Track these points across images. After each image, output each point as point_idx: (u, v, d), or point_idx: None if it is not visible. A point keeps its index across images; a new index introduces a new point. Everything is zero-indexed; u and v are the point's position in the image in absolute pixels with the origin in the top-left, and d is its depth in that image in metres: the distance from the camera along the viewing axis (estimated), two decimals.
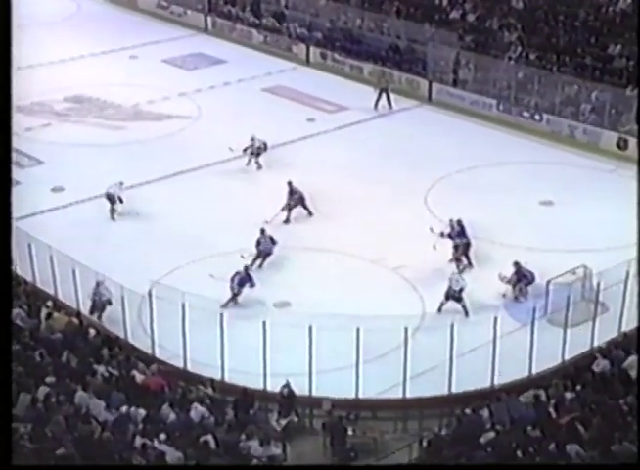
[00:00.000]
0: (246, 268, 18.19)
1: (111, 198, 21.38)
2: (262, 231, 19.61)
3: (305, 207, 21.33)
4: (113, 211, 21.37)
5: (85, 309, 17.31)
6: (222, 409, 14.24)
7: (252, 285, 17.92)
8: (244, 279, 18.00)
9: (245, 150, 23.94)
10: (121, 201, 21.41)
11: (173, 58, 32.69)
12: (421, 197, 22.55)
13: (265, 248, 19.41)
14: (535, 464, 11.73)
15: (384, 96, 28.22)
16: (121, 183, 21.56)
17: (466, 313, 17.75)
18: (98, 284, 17.26)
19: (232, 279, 17.94)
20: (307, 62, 32.82)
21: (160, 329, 16.23)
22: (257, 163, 24.00)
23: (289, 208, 21.15)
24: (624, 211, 21.42)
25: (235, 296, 17.93)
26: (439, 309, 17.84)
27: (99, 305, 17.31)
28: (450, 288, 17.86)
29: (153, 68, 31.56)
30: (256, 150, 23.92)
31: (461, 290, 17.82)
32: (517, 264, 18.23)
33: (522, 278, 18.22)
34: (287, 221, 21.07)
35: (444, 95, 29.00)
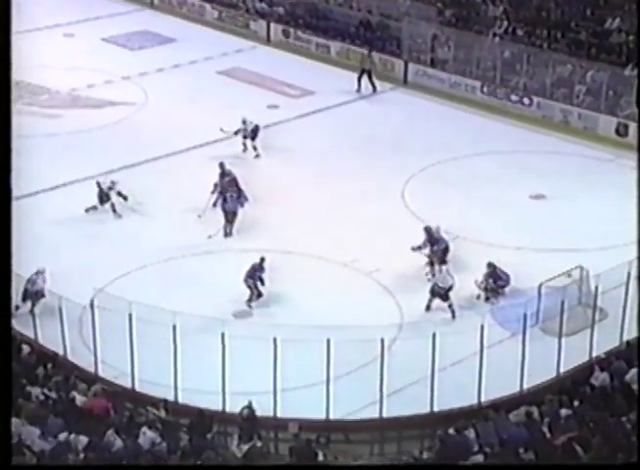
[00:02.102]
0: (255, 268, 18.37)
1: (104, 195, 21.47)
2: (235, 183, 20.66)
3: (239, 190, 21.16)
4: (113, 210, 21.55)
5: (18, 323, 17.16)
6: (175, 434, 14.18)
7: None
8: (250, 271, 18.22)
9: (236, 133, 24.09)
10: (124, 197, 21.53)
11: (115, 36, 32.50)
12: (397, 191, 22.65)
13: (233, 206, 20.35)
14: (535, 464, 11.84)
15: (366, 78, 28.36)
16: (112, 181, 21.67)
17: (453, 315, 17.89)
18: (37, 272, 17.42)
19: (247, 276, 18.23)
20: (268, 40, 32.85)
21: (105, 344, 16.12)
22: (255, 147, 24.18)
23: (220, 191, 21.41)
24: (625, 205, 21.72)
25: (252, 290, 18.22)
26: (428, 307, 18.06)
27: (30, 294, 17.39)
28: (436, 284, 18.00)
29: (92, 47, 31.36)
30: (250, 134, 24.07)
31: (449, 288, 17.95)
32: (491, 265, 18.43)
33: (497, 280, 18.40)
34: (215, 205, 21.37)
35: (422, 77, 29.16)
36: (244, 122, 24.13)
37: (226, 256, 20.09)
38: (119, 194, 21.62)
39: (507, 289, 18.53)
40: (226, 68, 30.22)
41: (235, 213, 20.70)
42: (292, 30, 32.34)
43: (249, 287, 18.33)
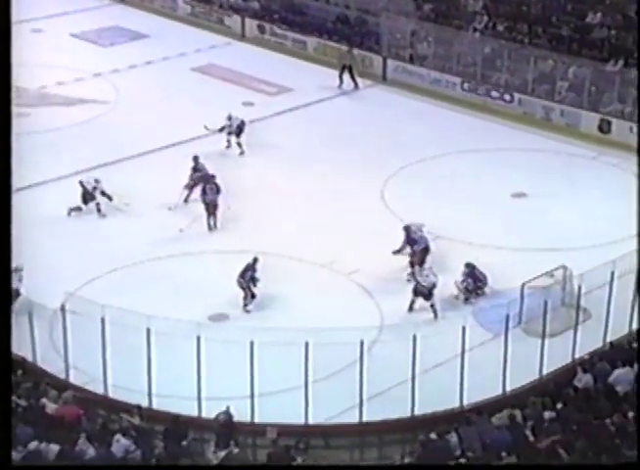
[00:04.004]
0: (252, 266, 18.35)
1: (88, 195, 21.42)
2: (212, 176, 21.00)
3: (204, 189, 21.20)
4: (98, 210, 21.52)
5: None
6: (150, 441, 14.13)
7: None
8: (243, 271, 18.26)
9: (221, 130, 24.12)
10: (109, 197, 21.53)
11: (85, 32, 32.36)
12: (377, 191, 22.69)
13: (212, 198, 20.60)
14: (535, 464, 11.90)
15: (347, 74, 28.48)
16: (97, 180, 21.62)
17: (435, 315, 17.96)
18: (15, 269, 17.49)
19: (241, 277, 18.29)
20: (243, 36, 32.83)
21: (76, 349, 16.03)
22: (239, 144, 24.25)
23: (189, 187, 21.64)
24: (608, 203, 22.02)
25: (246, 291, 18.23)
26: (410, 308, 18.12)
27: None
28: (419, 283, 18.08)
29: (61, 44, 31.20)
30: (235, 130, 24.12)
31: (433, 286, 18.02)
32: (470, 265, 18.52)
33: (476, 280, 18.48)
34: (186, 201, 21.63)
35: (401, 73, 29.22)
36: (229, 118, 24.21)
37: (203, 257, 20.05)
38: (103, 193, 21.54)
39: (486, 289, 18.62)
40: (200, 64, 30.18)
41: (216, 205, 20.88)
42: (267, 26, 32.33)
43: (241, 288, 18.31)
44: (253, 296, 18.38)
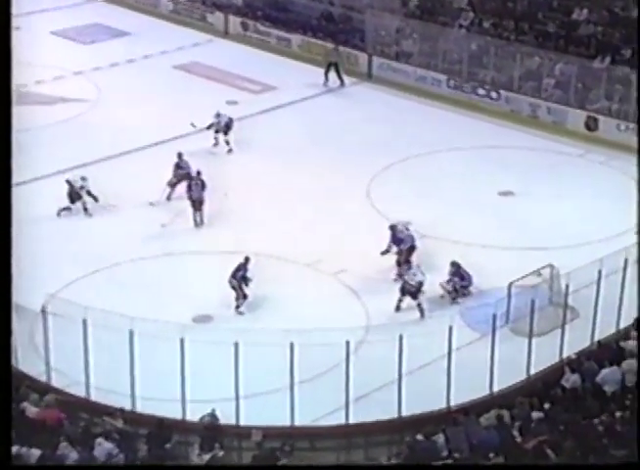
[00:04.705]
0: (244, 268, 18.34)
1: (75, 194, 21.42)
2: (198, 173, 21.12)
3: (189, 186, 21.32)
4: (84, 209, 21.55)
5: None
6: (133, 444, 14.10)
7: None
8: (234, 271, 18.25)
9: (209, 127, 24.16)
10: (94, 197, 21.57)
11: (65, 30, 32.27)
12: (362, 190, 22.71)
13: (198, 194, 20.80)
14: (535, 464, 11.94)
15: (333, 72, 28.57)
16: (83, 178, 21.60)
17: (421, 314, 18.01)
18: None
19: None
20: (226, 33, 32.80)
21: (58, 352, 15.99)
22: (227, 142, 24.32)
23: (172, 184, 21.77)
24: (595, 201, 22.14)
25: (237, 291, 18.17)
26: (397, 307, 18.15)
27: None
28: (406, 282, 18.09)
29: (40, 41, 31.06)
30: (223, 128, 24.19)
31: (419, 285, 18.05)
32: (455, 264, 18.57)
33: (462, 278, 18.55)
34: (169, 199, 21.79)
35: (386, 70, 29.27)
36: (217, 116, 24.28)
37: (186, 257, 20.03)
38: (89, 193, 21.51)
39: (471, 289, 18.68)
40: (183, 62, 30.14)
41: (202, 201, 21.00)
42: (251, 23, 32.32)
43: (232, 288, 18.27)
44: (245, 296, 18.34)
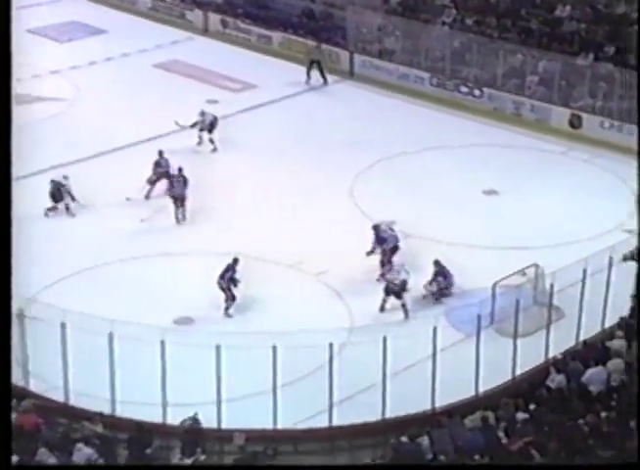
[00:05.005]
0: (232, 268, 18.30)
1: (58, 194, 21.33)
2: (180, 170, 21.16)
3: (171, 183, 21.51)
4: (67, 209, 21.47)
5: None
6: (113, 449, 14.06)
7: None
8: (223, 272, 18.20)
9: (193, 126, 24.19)
10: (72, 197, 21.51)
11: (42, 27, 32.09)
12: (345, 189, 22.71)
13: (180, 192, 20.95)
14: (534, 465, 11.96)
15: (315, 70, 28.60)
16: (65, 177, 21.54)
17: (406, 314, 18.03)
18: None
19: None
20: (205, 31, 32.72)
21: (36, 356, 15.90)
22: (212, 141, 24.35)
23: (151, 182, 21.88)
24: (579, 199, 22.21)
25: (226, 292, 18.11)
26: (382, 308, 18.17)
27: None
28: (390, 281, 18.12)
29: (16, 39, 30.81)
30: (208, 126, 24.25)
31: (403, 284, 18.06)
32: (438, 263, 18.60)
33: (446, 277, 18.57)
34: (147, 197, 21.89)
35: (369, 68, 29.28)
36: (202, 114, 24.33)
37: (167, 259, 19.96)
38: (68, 193, 21.47)
39: (453, 289, 18.69)
40: (162, 60, 30.04)
41: (184, 198, 21.13)
42: (230, 20, 32.24)
43: (221, 289, 18.21)
44: (234, 298, 18.26)
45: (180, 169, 21.36)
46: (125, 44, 30.96)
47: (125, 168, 23.29)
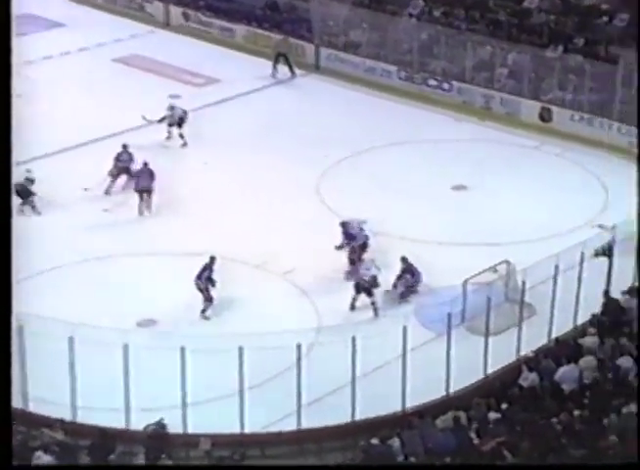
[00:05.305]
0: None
1: (23, 191, 21.17)
2: (145, 164, 21.33)
3: (134, 177, 21.74)
4: (32, 207, 21.36)
5: None
6: (75, 457, 13.99)
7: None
8: (200, 272, 18.12)
9: (160, 121, 24.19)
10: (32, 193, 21.45)
11: None
12: (311, 185, 22.73)
13: (145, 185, 21.13)
14: (534, 465, 12.02)
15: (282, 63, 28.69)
16: (28, 170, 21.40)
17: (375, 313, 18.08)
18: None
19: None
20: (166, 24, 32.59)
21: None
22: (181, 136, 24.39)
23: (113, 175, 21.98)
24: (551, 194, 22.36)
25: (203, 293, 18.02)
26: (352, 306, 18.22)
27: None
28: (360, 278, 18.17)
29: None
30: (177, 121, 24.29)
31: (374, 279, 18.08)
32: (405, 260, 18.65)
33: (413, 274, 18.63)
34: (107, 192, 21.98)
35: (334, 62, 29.29)
36: (171, 109, 24.37)
37: (130, 259, 19.85)
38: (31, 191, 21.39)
39: (419, 287, 18.75)
40: (122, 55, 29.87)
41: (150, 191, 21.26)
42: (192, 13, 32.12)
43: (199, 289, 18.11)
44: (211, 300, 18.15)
45: (145, 163, 21.45)
46: (83, 38, 30.75)
47: (87, 165, 23.15)
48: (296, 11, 30.78)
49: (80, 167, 23.13)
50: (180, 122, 24.39)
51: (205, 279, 18.12)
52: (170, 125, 24.41)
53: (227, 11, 31.69)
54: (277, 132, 25.34)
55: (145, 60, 29.62)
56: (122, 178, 22.13)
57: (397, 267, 18.84)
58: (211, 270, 18.18)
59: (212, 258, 18.26)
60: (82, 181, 22.31)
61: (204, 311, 18.15)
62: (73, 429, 14.78)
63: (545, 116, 25.82)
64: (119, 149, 22.37)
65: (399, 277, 18.66)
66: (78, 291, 18.67)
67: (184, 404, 15.00)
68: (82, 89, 27.52)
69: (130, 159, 22.10)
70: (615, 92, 24.67)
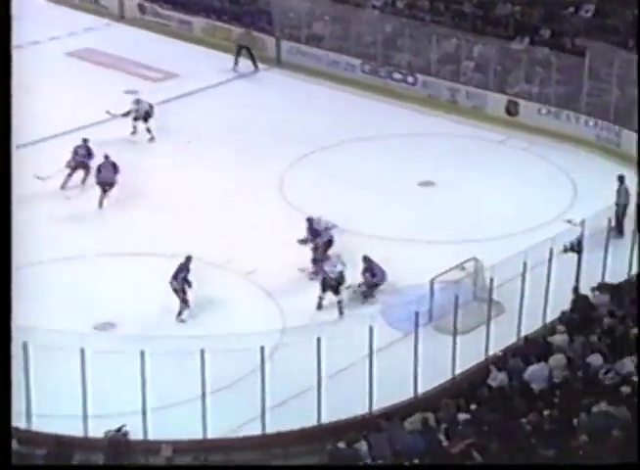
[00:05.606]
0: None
1: None
2: (106, 157, 21.56)
3: (87, 172, 21.99)
4: None
5: None
6: (29, 467, 13.85)
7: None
8: (175, 272, 18.00)
9: (125, 115, 24.14)
10: None
11: None
12: (274, 183, 22.70)
13: (108, 177, 21.38)
14: (533, 464, 12.11)
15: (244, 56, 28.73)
16: None
17: (340, 312, 18.12)
18: None
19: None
20: (122, 17, 32.41)
21: None
22: (148, 130, 24.38)
23: (70, 167, 22.08)
24: (518, 189, 22.50)
25: (179, 294, 17.91)
26: (319, 305, 18.23)
27: None
28: (326, 275, 18.17)
29: None
30: (144, 115, 24.28)
31: (340, 276, 18.08)
32: (366, 259, 18.66)
33: (373, 275, 18.64)
34: (63, 187, 22.06)
35: (296, 55, 29.28)
36: (136, 102, 24.33)
37: (86, 260, 19.72)
38: None
39: (384, 286, 18.75)
40: (75, 48, 29.69)
41: (112, 184, 21.45)
42: (148, 5, 31.96)
43: (174, 291, 17.96)
44: (187, 302, 18.01)
45: (107, 157, 21.55)
46: (35, 31, 30.41)
47: (41, 164, 22.95)
48: (256, 3, 30.72)
49: (34, 166, 22.92)
50: (146, 117, 24.35)
51: (182, 280, 17.99)
52: (136, 120, 24.35)
53: (185, 3, 31.57)
54: (238, 128, 25.26)
55: (100, 54, 29.44)
56: (80, 174, 22.09)
57: (362, 265, 18.85)
58: (188, 270, 18.04)
59: (188, 258, 18.13)
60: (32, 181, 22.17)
61: (180, 314, 18.00)
62: (28, 437, 14.61)
63: (512, 109, 25.96)
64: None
65: (362, 273, 18.63)
66: (31, 294, 18.42)
67: (144, 410, 14.92)
68: (34, 85, 27.22)
69: (88, 154, 22.07)
70: (582, 85, 24.87)
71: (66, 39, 30.25)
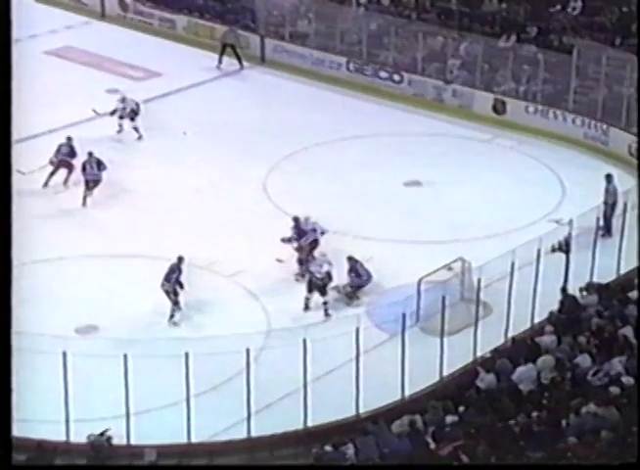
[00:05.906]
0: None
1: None
2: (90, 154, 21.59)
3: (70, 171, 22.10)
4: None
5: None
6: None
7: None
8: (167, 274, 17.97)
9: (112, 113, 24.17)
10: None
11: None
12: (259, 183, 22.71)
13: (92, 174, 21.43)
14: (533, 464, 12.16)
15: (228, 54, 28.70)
16: None
17: (325, 313, 18.14)
18: None
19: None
20: (102, 15, 32.30)
21: None
22: (136, 129, 24.37)
23: (52, 165, 22.17)
24: (505, 189, 22.59)
25: (170, 296, 17.87)
26: (306, 306, 18.26)
27: None
28: (312, 275, 18.20)
29: None
30: (130, 113, 24.28)
31: (327, 275, 18.11)
32: (352, 260, 18.70)
33: (358, 276, 18.68)
34: (45, 185, 22.15)
35: (281, 53, 29.29)
36: (122, 100, 24.32)
37: (69, 261, 19.68)
38: None
39: (369, 287, 18.79)
40: (55, 47, 29.59)
41: (97, 181, 21.54)
42: (130, 3, 31.89)
43: (166, 292, 17.90)
44: (178, 304, 17.96)
45: (90, 154, 21.59)
46: (14, 29, 30.37)
47: (24, 164, 22.90)
48: (239, 0, 30.72)
49: (16, 166, 22.89)
50: (133, 115, 24.37)
51: (174, 281, 17.94)
52: (121, 118, 24.36)
53: (167, 1, 31.53)
54: (222, 127, 25.27)
55: (80, 52, 29.36)
56: (62, 173, 22.14)
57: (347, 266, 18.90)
58: (180, 272, 17.98)
59: (180, 259, 18.07)
60: (21, 178, 22.14)
61: (172, 317, 17.98)
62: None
63: (499, 108, 26.04)
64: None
65: (348, 274, 18.68)
66: (15, 296, 18.45)
67: (127, 414, 14.93)
68: (14, 83, 27.20)
69: (71, 152, 22.11)
70: (569, 83, 24.99)
71: (45, 37, 30.13)
